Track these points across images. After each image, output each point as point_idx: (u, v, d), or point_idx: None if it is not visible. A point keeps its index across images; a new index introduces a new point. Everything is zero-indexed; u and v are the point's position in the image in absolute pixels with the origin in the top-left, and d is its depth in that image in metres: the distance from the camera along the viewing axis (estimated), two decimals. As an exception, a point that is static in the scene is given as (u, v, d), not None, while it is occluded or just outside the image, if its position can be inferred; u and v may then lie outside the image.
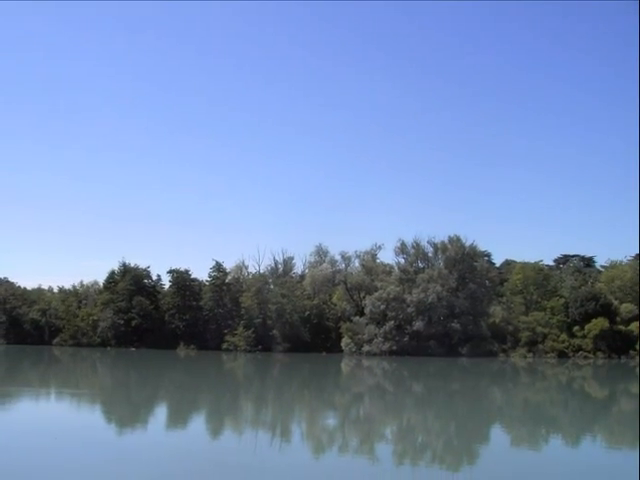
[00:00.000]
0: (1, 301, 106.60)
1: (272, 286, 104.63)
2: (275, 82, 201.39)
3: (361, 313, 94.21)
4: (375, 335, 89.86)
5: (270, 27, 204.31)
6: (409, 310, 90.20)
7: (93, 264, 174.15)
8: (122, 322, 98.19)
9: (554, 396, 52.27)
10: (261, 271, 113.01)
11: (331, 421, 35.37)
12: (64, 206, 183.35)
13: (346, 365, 79.88)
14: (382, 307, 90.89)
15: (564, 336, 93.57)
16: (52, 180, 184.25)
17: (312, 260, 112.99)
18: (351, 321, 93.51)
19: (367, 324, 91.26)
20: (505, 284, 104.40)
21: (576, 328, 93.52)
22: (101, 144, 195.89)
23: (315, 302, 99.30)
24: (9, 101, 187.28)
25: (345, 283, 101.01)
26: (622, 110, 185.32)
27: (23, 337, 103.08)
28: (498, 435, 32.34)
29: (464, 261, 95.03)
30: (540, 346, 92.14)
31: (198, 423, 33.09)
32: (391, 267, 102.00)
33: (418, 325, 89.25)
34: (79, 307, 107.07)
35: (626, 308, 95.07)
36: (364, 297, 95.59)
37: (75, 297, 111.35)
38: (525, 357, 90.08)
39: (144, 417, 33.92)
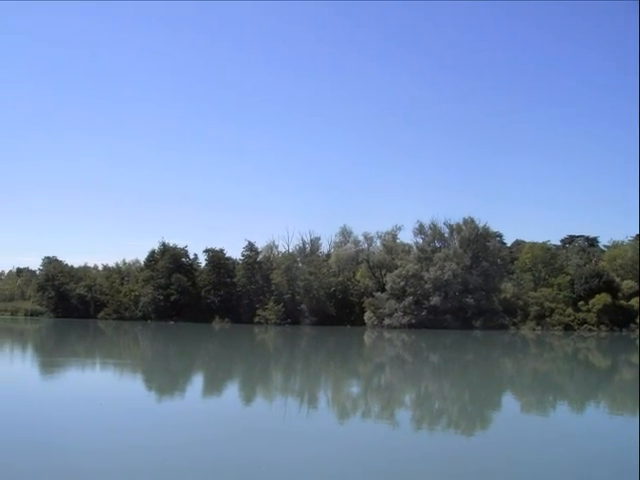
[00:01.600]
0: (50, 278, 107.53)
1: (300, 264, 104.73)
2: (303, 76, 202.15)
3: (382, 289, 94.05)
4: (395, 309, 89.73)
5: (298, 26, 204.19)
6: (427, 286, 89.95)
7: (135, 244, 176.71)
8: (162, 297, 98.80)
9: (561, 366, 51.92)
10: (290, 250, 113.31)
11: (354, 389, 35.39)
12: (108, 190, 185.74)
13: (368, 337, 79.83)
14: (402, 283, 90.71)
15: (570, 310, 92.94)
16: (97, 166, 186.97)
17: (337, 240, 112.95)
18: (373, 296, 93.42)
19: (388, 299, 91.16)
20: (515, 262, 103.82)
21: (581, 303, 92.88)
22: (142, 132, 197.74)
23: (340, 279, 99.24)
24: (59, 93, 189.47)
25: (368, 261, 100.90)
26: (623, 101, 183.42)
27: (70, 311, 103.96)
28: (509, 402, 32.18)
29: (477, 241, 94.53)
30: (548, 319, 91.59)
31: (232, 391, 33.21)
32: (410, 247, 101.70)
33: (435, 300, 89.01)
34: (122, 283, 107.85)
35: (627, 284, 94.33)
36: (385, 274, 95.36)
37: (118, 274, 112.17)
38: (534, 330, 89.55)
39: (182, 385, 34.06)
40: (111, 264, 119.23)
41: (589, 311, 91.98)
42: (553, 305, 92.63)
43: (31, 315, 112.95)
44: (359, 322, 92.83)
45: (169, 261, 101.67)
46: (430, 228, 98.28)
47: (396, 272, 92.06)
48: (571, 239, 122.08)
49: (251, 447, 18.01)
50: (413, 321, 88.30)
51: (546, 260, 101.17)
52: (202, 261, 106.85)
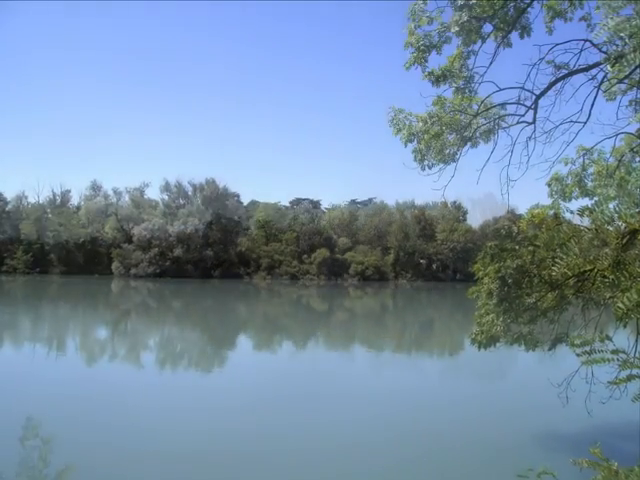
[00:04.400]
0: None
1: (50, 215, 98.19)
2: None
3: (130, 241, 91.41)
4: (141, 260, 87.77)
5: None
6: (171, 239, 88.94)
7: None
8: None
9: (287, 309, 54.23)
10: (40, 202, 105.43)
11: (102, 335, 34.01)
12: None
13: (116, 286, 77.10)
14: (148, 236, 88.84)
15: (295, 262, 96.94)
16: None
17: (87, 194, 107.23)
18: (121, 248, 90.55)
19: (135, 250, 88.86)
20: (250, 220, 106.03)
21: (305, 256, 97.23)
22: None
23: (89, 230, 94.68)
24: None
25: (116, 215, 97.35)
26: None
27: None
28: (243, 341, 33.01)
29: (218, 200, 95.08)
30: (277, 270, 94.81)
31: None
32: (157, 202, 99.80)
33: (178, 252, 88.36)
34: None
35: (342, 241, 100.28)
36: (133, 227, 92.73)
37: None
38: (265, 279, 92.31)
39: None
40: None
41: (311, 263, 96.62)
42: (282, 258, 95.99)
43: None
44: (107, 272, 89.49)
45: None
46: (175, 186, 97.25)
47: (143, 225, 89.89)
48: (298, 201, 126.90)
49: None
50: (158, 271, 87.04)
51: (277, 219, 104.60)
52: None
